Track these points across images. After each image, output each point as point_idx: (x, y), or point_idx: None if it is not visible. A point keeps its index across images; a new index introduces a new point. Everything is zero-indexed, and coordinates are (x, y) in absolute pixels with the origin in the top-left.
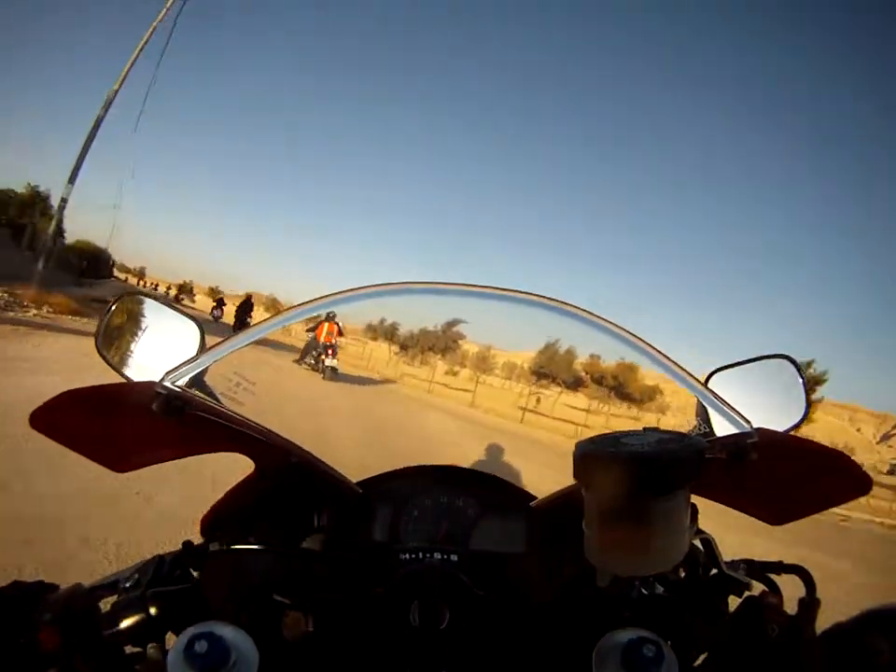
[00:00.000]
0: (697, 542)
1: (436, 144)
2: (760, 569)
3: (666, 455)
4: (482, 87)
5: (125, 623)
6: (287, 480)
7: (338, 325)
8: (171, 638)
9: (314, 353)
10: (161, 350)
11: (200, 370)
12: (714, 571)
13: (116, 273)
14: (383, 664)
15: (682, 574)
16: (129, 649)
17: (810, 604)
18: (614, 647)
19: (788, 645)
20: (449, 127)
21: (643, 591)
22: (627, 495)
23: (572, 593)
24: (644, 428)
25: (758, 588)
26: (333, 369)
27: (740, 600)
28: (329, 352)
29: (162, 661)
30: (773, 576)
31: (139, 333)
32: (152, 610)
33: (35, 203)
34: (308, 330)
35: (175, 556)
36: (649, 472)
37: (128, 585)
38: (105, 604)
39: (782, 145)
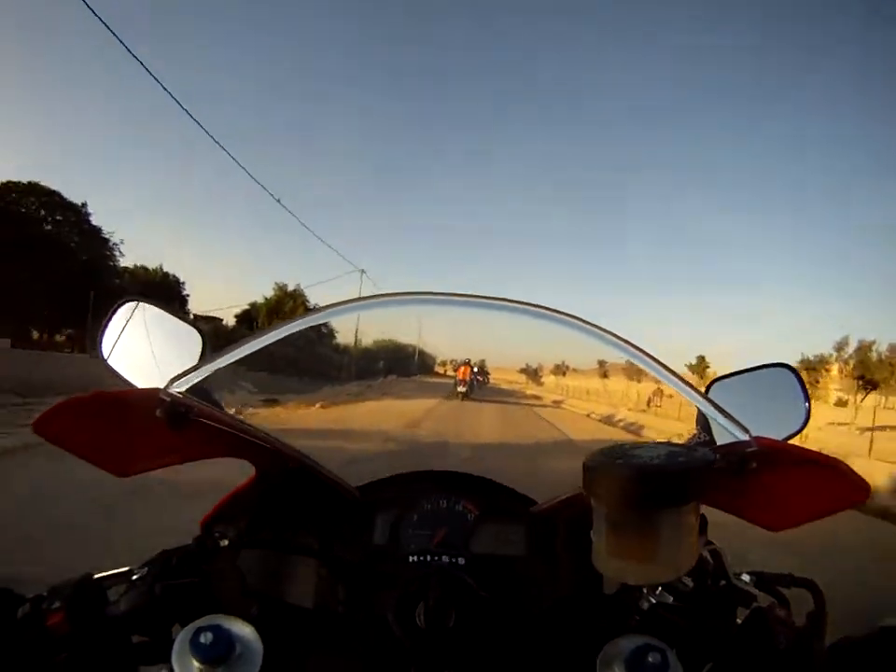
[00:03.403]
0: (706, 553)
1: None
2: (769, 581)
3: (675, 469)
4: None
5: (133, 613)
6: (287, 484)
7: (472, 367)
8: (178, 631)
9: (458, 385)
10: (164, 356)
11: (203, 376)
12: (723, 583)
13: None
14: (388, 664)
15: (690, 584)
16: (136, 638)
17: (819, 617)
18: (619, 653)
19: (796, 658)
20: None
21: (651, 600)
22: (636, 507)
23: (578, 599)
24: (655, 442)
25: (766, 600)
26: (465, 394)
27: (748, 612)
28: (462, 384)
29: (168, 651)
30: (782, 589)
31: (142, 339)
32: (160, 602)
33: (284, 301)
34: (455, 370)
35: (185, 550)
36: (657, 485)
37: (137, 577)
38: (115, 594)
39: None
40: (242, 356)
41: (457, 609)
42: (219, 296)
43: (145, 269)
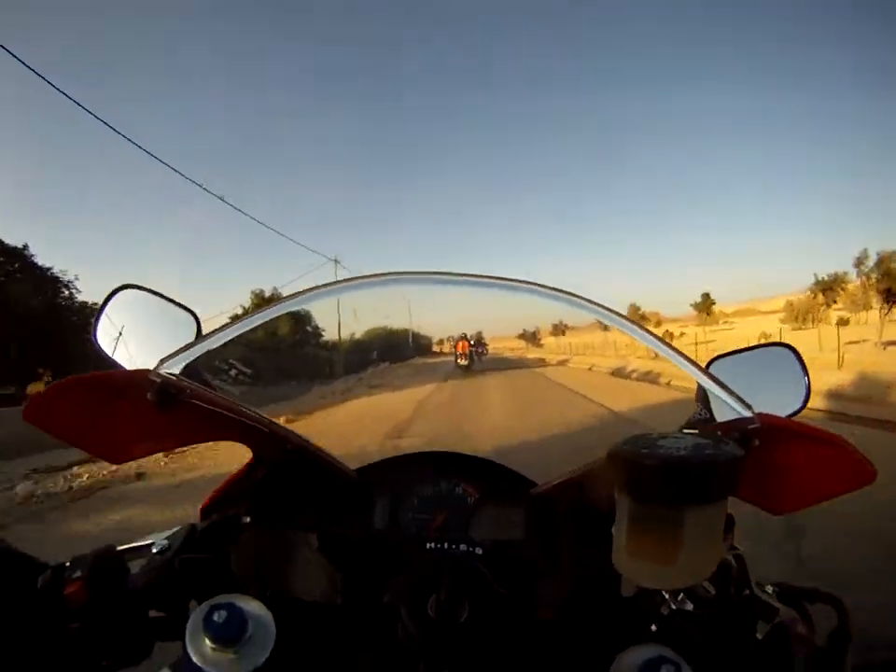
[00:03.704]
0: (730, 558)
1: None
2: (792, 595)
3: (702, 462)
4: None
5: (151, 587)
6: (284, 468)
7: (469, 341)
8: (194, 607)
9: (458, 358)
10: (158, 338)
11: (195, 357)
12: (745, 592)
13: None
14: (398, 652)
15: (712, 591)
16: (152, 613)
17: (842, 638)
18: (632, 663)
19: None
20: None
21: (671, 606)
22: (659, 501)
23: (595, 600)
24: (683, 431)
25: (788, 614)
26: (465, 366)
27: (769, 626)
28: (462, 357)
29: (183, 627)
30: (806, 604)
31: (136, 324)
32: (178, 577)
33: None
34: (453, 346)
35: (207, 526)
36: (682, 480)
37: (158, 550)
38: (135, 567)
39: None
40: (234, 335)
41: (471, 602)
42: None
43: None
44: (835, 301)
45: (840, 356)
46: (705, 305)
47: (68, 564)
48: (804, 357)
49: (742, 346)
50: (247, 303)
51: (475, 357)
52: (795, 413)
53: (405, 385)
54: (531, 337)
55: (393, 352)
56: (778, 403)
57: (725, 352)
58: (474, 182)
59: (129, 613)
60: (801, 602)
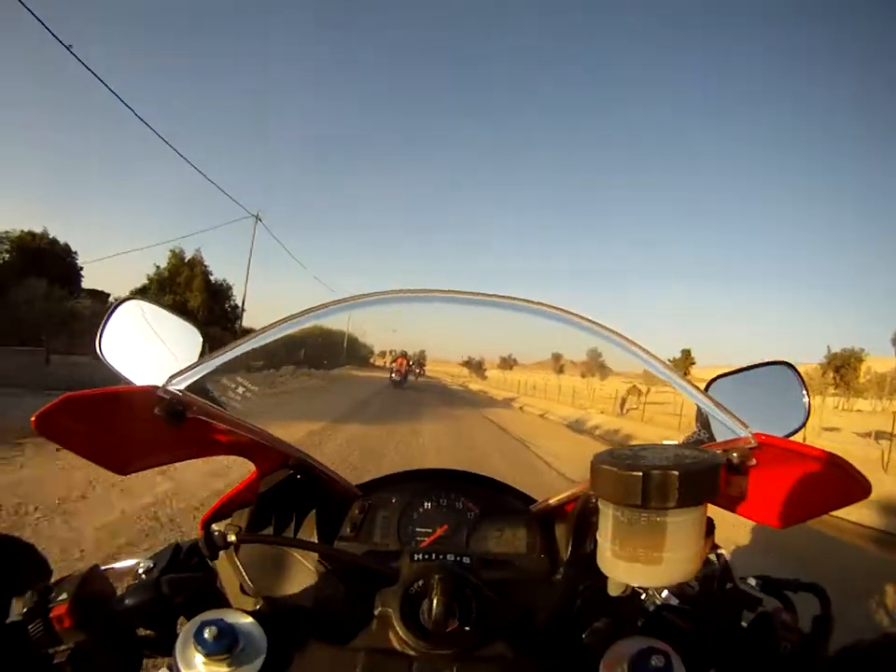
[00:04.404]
0: (712, 557)
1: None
2: (775, 586)
3: (683, 470)
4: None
5: (138, 606)
6: (287, 483)
7: (407, 360)
8: (183, 624)
9: (392, 374)
10: (163, 354)
11: (201, 374)
12: (729, 586)
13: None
14: (390, 662)
15: (696, 588)
16: (141, 631)
17: (824, 622)
18: (622, 656)
19: (800, 662)
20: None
21: (656, 602)
22: (642, 509)
23: (583, 600)
24: (663, 442)
25: (773, 605)
26: (398, 382)
27: (753, 615)
28: (397, 373)
29: (172, 644)
30: (789, 593)
31: (141, 337)
32: (165, 595)
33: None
34: (392, 362)
35: (192, 544)
36: (665, 487)
37: (143, 570)
38: (121, 587)
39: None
40: (241, 352)
41: (462, 608)
42: (109, 266)
43: (32, 235)
44: (847, 384)
45: (885, 453)
46: (685, 362)
47: (52, 585)
48: None
49: None
50: (163, 263)
51: (410, 377)
52: (795, 431)
53: (285, 419)
54: (476, 366)
55: (324, 355)
56: (778, 422)
57: (725, 371)
58: (440, 201)
59: (116, 633)
60: (783, 592)
